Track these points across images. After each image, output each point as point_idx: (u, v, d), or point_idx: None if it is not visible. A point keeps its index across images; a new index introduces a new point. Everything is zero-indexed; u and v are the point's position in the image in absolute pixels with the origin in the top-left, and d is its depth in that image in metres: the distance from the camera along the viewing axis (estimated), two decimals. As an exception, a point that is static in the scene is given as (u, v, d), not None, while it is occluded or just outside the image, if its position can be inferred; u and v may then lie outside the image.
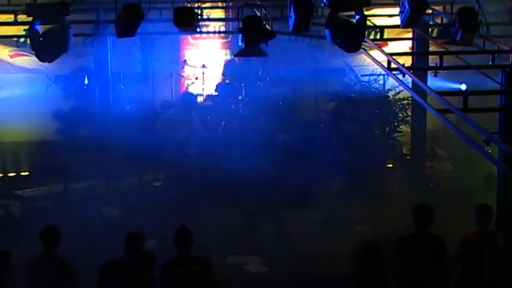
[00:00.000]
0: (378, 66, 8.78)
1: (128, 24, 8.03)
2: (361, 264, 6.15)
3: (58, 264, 6.63)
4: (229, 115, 11.79)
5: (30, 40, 7.94)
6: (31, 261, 6.74)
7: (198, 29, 8.80)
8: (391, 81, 10.81)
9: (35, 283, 6.64)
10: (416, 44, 10.56)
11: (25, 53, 11.72)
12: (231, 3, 11.10)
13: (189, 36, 12.90)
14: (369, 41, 8.93)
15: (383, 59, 8.34)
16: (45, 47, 7.72)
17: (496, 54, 7.94)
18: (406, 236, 6.85)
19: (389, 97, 11.68)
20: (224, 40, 13.30)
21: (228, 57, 13.33)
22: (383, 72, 9.27)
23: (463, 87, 8.96)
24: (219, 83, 12.24)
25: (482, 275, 6.83)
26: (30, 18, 7.67)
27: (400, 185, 11.39)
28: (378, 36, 10.14)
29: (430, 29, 9.56)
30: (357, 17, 7.55)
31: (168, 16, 8.34)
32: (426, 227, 6.75)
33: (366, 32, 8.39)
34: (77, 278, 6.70)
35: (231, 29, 11.81)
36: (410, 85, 8.95)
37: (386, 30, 9.24)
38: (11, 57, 12.04)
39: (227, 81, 12.04)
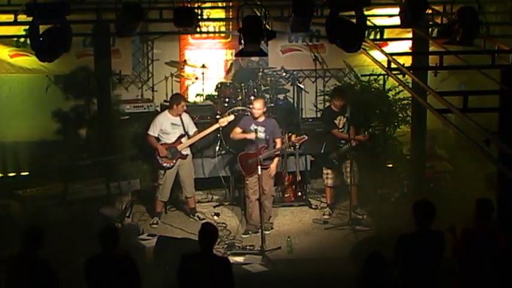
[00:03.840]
0: (378, 66, 8.78)
1: (128, 24, 8.03)
2: (368, 273, 6.10)
3: (38, 266, 6.55)
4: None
5: (30, 40, 7.93)
6: (8, 261, 6.66)
7: (198, 29, 8.79)
8: (391, 81, 10.81)
9: (12, 284, 6.57)
10: (417, 44, 10.56)
11: (25, 53, 11.72)
12: (231, 3, 11.10)
13: (189, 36, 12.90)
14: (369, 41, 8.93)
15: (383, 59, 8.34)
16: (45, 47, 7.72)
17: (496, 54, 7.94)
18: (406, 234, 6.84)
19: (389, 97, 11.69)
20: (224, 40, 13.31)
21: (228, 57, 13.35)
22: (383, 72, 9.27)
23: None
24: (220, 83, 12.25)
25: (482, 272, 6.81)
26: (30, 18, 7.66)
27: (400, 185, 11.39)
28: (378, 36, 10.14)
29: (430, 29, 9.56)
30: (357, 17, 7.54)
31: (168, 16, 8.34)
32: (427, 225, 6.74)
33: (366, 32, 8.38)
34: (59, 279, 6.65)
35: (231, 29, 11.84)
36: (410, 85, 8.96)
37: (386, 30, 9.23)
38: (11, 57, 12.04)
39: (229, 82, 12.04)
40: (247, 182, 10.25)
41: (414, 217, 6.75)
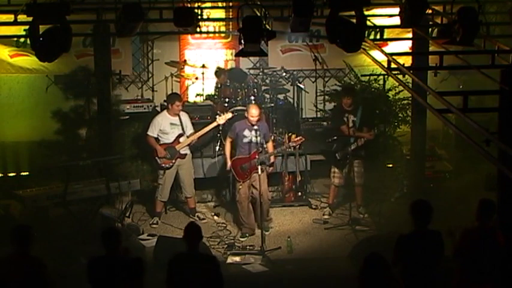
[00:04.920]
0: (378, 66, 8.78)
1: (128, 24, 8.02)
2: (368, 276, 6.09)
3: (29, 264, 6.53)
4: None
5: (30, 40, 7.93)
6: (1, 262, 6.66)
7: (198, 29, 8.79)
8: (391, 81, 10.81)
9: (5, 284, 6.52)
10: (417, 44, 10.55)
11: (25, 53, 11.73)
12: (231, 3, 11.10)
13: (189, 36, 12.90)
14: (369, 41, 8.93)
15: (383, 59, 8.34)
16: (45, 47, 7.71)
17: (496, 54, 7.93)
18: (405, 234, 6.85)
19: (390, 97, 11.69)
20: (224, 40, 13.31)
21: (228, 57, 13.36)
22: (383, 72, 9.27)
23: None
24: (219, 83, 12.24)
25: (482, 271, 6.81)
26: (30, 18, 7.66)
27: (400, 185, 11.39)
28: (378, 36, 10.14)
29: (430, 29, 9.56)
30: (357, 17, 7.54)
31: (168, 16, 8.34)
32: (425, 225, 6.75)
33: (366, 32, 8.38)
34: (50, 277, 6.65)
35: (231, 29, 11.84)
36: (410, 85, 8.96)
37: (386, 30, 9.22)
38: (11, 57, 12.05)
39: (229, 82, 12.04)
40: (240, 187, 10.19)
41: (411, 217, 6.76)
